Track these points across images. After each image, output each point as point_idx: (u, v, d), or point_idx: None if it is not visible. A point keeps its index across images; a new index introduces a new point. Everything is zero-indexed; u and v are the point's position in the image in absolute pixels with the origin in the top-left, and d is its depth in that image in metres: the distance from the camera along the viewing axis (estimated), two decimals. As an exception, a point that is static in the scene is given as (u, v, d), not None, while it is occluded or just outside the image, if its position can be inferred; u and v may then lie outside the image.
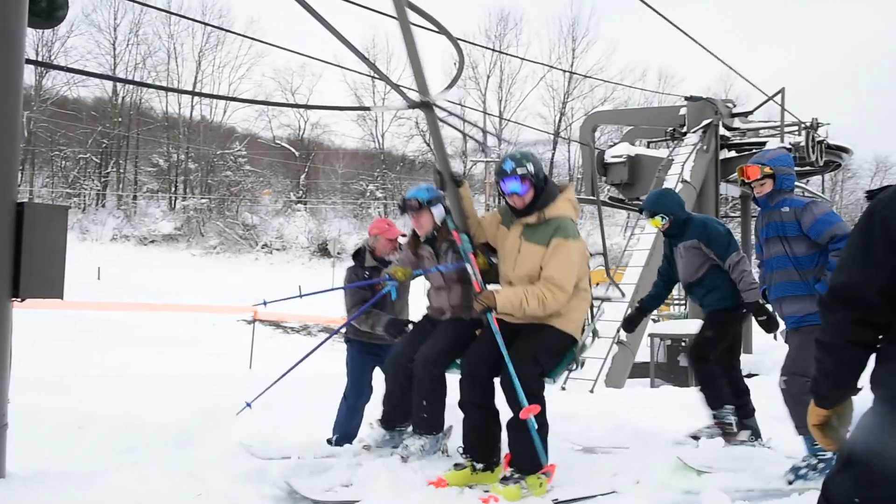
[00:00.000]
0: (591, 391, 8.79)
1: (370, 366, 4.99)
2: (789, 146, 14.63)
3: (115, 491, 3.19)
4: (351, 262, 5.14)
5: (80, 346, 14.05)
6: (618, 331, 10.25)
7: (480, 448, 3.75)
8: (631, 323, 5.20)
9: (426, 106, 3.90)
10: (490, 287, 3.90)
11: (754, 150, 13.67)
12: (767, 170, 4.07)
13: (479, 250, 4.11)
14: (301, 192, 46.71)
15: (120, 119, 43.00)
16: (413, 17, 4.55)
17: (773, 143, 14.57)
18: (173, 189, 43.97)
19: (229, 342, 14.29)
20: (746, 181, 4.19)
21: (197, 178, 44.61)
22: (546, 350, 3.72)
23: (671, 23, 8.13)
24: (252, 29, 41.43)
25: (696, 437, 4.55)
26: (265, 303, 4.30)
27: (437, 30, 4.67)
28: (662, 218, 4.79)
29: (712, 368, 4.72)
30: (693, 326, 9.45)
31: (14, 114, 3.42)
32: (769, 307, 4.50)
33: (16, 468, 3.38)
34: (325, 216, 43.78)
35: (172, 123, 44.82)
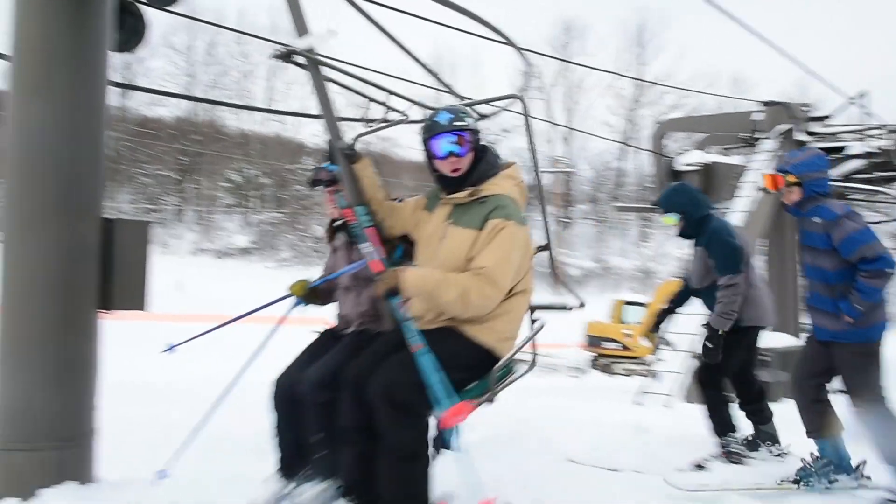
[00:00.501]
0: (666, 406, 8.57)
1: None
2: (877, 149, 14.00)
3: (199, 498, 3.28)
4: None
5: (164, 356, 14.52)
6: (693, 343, 10.00)
7: (366, 485, 2.85)
8: (656, 324, 4.85)
9: (293, 56, 3.01)
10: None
11: (833, 156, 13.15)
12: (791, 178, 3.75)
13: (387, 239, 3.22)
14: (370, 204, 47.31)
15: (198, 137, 44.59)
16: (480, 28, 4.56)
17: (856, 148, 13.99)
18: (248, 204, 45.26)
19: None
20: (770, 191, 3.88)
21: (270, 192, 45.80)
22: (448, 365, 2.73)
23: (744, 25, 7.91)
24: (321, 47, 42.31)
25: (700, 467, 4.34)
26: (172, 347, 3.81)
27: (503, 41, 4.66)
28: (676, 217, 4.47)
29: (717, 394, 4.48)
30: (776, 340, 9.11)
31: (99, 134, 3.58)
32: (719, 337, 4.29)
33: (106, 474, 3.52)
34: (393, 228, 44.18)
35: (246, 140, 46.21)
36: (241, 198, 45.27)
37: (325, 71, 3.26)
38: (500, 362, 2.94)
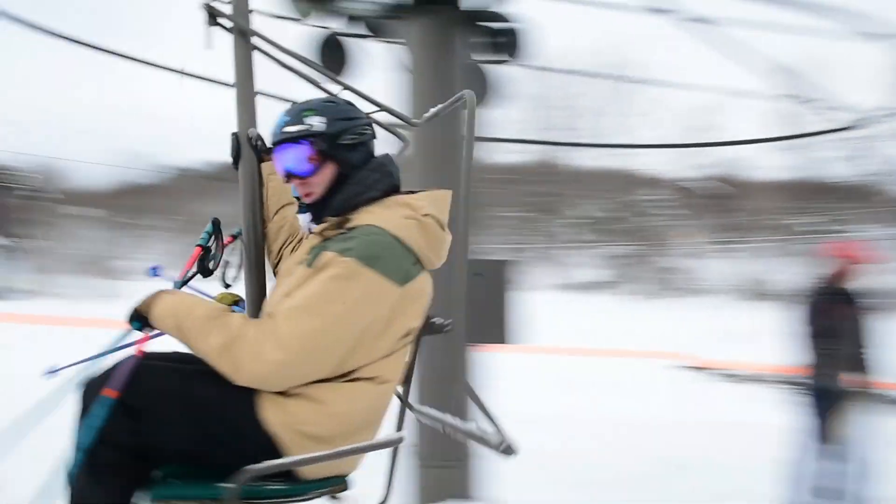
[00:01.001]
0: None
1: (815, 417, 4.47)
2: None
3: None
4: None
5: (528, 388, 15.36)
6: None
7: None
8: None
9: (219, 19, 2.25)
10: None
11: None
12: None
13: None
14: (726, 231, 44.73)
15: (552, 177, 46.85)
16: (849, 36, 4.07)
17: None
18: (600, 239, 46.05)
19: (657, 388, 14.18)
20: None
21: (621, 226, 46.03)
22: (191, 421, 1.81)
23: None
24: (652, 74, 41.60)
25: None
26: (54, 371, 2.68)
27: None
28: None
29: None
30: None
31: (466, 184, 3.99)
32: None
33: (482, 494, 3.81)
34: (752, 255, 41.09)
35: (595, 176, 47.24)
36: (594, 233, 46.29)
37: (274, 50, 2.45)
38: (266, 465, 1.77)
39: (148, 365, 1.84)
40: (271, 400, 1.80)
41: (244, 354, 1.75)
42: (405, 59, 4.16)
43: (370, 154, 2.06)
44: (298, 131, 1.98)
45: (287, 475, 1.83)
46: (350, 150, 2.01)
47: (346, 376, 1.86)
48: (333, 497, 1.95)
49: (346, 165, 2.00)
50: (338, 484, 1.94)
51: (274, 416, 1.79)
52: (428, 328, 2.05)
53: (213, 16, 2.25)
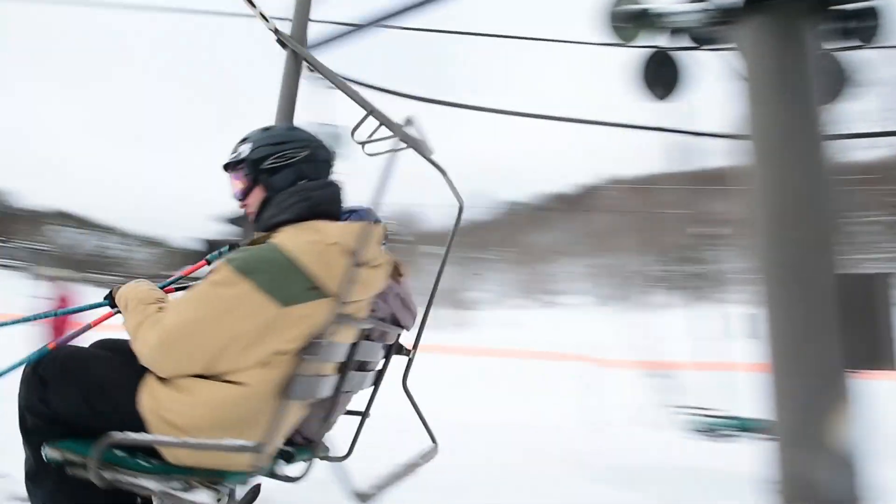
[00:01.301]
0: None
1: None
2: None
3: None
4: None
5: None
6: None
7: None
8: None
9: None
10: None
11: None
12: None
13: None
14: None
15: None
16: None
17: None
18: None
19: None
20: None
21: None
22: (84, 382, 2.05)
23: None
24: None
25: None
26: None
27: None
28: None
29: None
30: None
31: (826, 189, 3.61)
32: None
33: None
34: None
35: None
36: None
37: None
38: (123, 436, 1.93)
39: (74, 348, 2.20)
40: (150, 386, 2.02)
41: (141, 337, 2.01)
42: (738, 66, 3.91)
43: (299, 177, 2.21)
44: (231, 159, 2.28)
45: (155, 454, 2.00)
46: (273, 174, 2.21)
47: (217, 377, 1.99)
48: (214, 489, 2.01)
49: (270, 188, 2.21)
50: (209, 477, 2.00)
51: (146, 400, 2.00)
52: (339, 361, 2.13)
53: (280, 41, 2.60)
